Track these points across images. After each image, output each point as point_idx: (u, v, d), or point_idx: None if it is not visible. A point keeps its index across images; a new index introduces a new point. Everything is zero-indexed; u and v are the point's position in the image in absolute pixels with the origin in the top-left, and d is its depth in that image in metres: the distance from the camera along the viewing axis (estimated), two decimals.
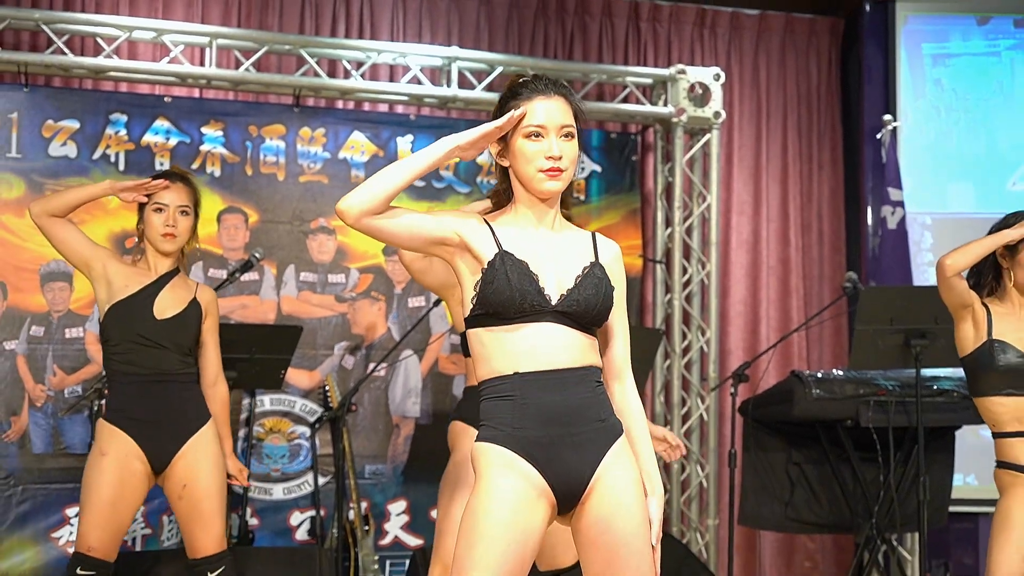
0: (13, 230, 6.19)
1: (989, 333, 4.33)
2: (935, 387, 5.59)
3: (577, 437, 2.93)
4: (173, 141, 6.54)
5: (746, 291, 7.78)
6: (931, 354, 5.28)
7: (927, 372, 5.40)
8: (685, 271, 7.41)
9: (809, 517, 6.17)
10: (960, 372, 5.62)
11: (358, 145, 6.84)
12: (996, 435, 4.40)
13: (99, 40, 6.47)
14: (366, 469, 6.65)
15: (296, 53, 6.73)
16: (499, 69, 6.93)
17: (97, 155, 6.39)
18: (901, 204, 7.21)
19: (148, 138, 6.48)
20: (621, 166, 7.39)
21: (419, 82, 6.85)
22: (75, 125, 6.37)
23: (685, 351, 7.40)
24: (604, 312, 2.99)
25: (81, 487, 4.46)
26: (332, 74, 6.88)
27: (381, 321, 6.78)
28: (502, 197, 3.11)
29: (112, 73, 6.51)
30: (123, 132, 6.44)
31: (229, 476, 4.69)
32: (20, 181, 6.25)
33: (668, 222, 7.45)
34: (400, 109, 7.09)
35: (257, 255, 5.95)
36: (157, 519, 6.32)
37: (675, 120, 7.27)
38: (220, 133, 6.62)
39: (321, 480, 6.43)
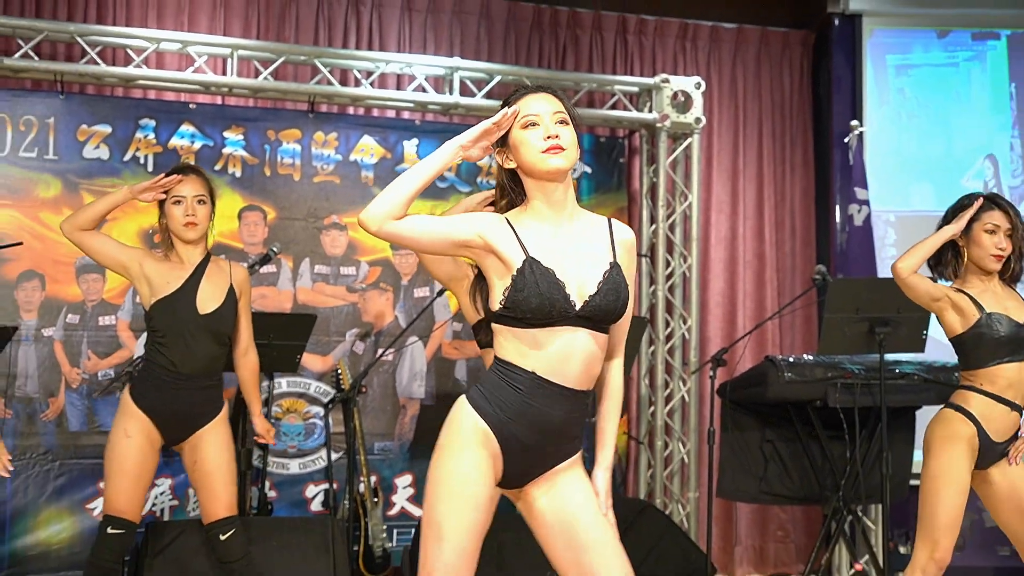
0: (51, 226, 6.17)
1: (981, 309, 4.30)
2: (897, 371, 5.58)
3: (547, 447, 2.96)
4: (198, 144, 6.53)
5: (724, 283, 7.78)
6: (894, 340, 5.29)
7: (890, 357, 5.40)
8: (668, 264, 7.41)
9: (781, 490, 6.17)
10: (920, 357, 5.66)
11: (368, 148, 6.83)
12: (975, 390, 4.32)
13: (129, 51, 6.47)
14: (375, 446, 6.65)
15: (311, 63, 6.72)
16: (498, 78, 6.93)
17: (128, 157, 6.38)
18: (867, 203, 7.20)
19: (175, 141, 6.47)
20: (610, 168, 7.38)
21: (424, 90, 6.84)
22: (107, 129, 6.36)
23: (668, 338, 7.40)
24: (621, 314, 2.98)
25: (105, 458, 4.54)
26: (344, 82, 6.87)
27: (389, 310, 6.78)
28: (515, 200, 3.06)
29: (141, 81, 6.50)
30: (151, 136, 6.43)
31: (256, 435, 4.83)
32: (57, 181, 6.24)
33: (653, 219, 7.45)
34: (406, 115, 7.08)
35: (275, 249, 5.95)
36: (184, 492, 6.32)
37: (659, 125, 7.27)
38: (241, 137, 6.61)
39: (334, 456, 6.44)
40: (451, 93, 6.84)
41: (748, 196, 7.87)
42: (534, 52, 7.55)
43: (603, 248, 3.01)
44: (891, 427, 5.17)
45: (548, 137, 2.94)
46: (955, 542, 4.23)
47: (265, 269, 6.32)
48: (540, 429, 2.91)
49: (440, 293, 6.21)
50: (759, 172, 7.91)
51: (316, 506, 6.59)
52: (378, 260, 6.77)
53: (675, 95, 7.32)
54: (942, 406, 4.40)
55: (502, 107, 3.01)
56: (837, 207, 7.63)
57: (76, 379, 6.23)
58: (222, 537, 4.56)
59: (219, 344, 4.59)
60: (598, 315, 2.91)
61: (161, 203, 4.56)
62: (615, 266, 2.98)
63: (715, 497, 6.15)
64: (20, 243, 5.78)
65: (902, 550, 6.98)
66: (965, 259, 4.40)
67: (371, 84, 6.83)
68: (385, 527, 6.29)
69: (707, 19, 7.91)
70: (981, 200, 4.34)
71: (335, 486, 6.39)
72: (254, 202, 6.61)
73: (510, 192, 3.05)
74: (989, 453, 4.30)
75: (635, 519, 5.86)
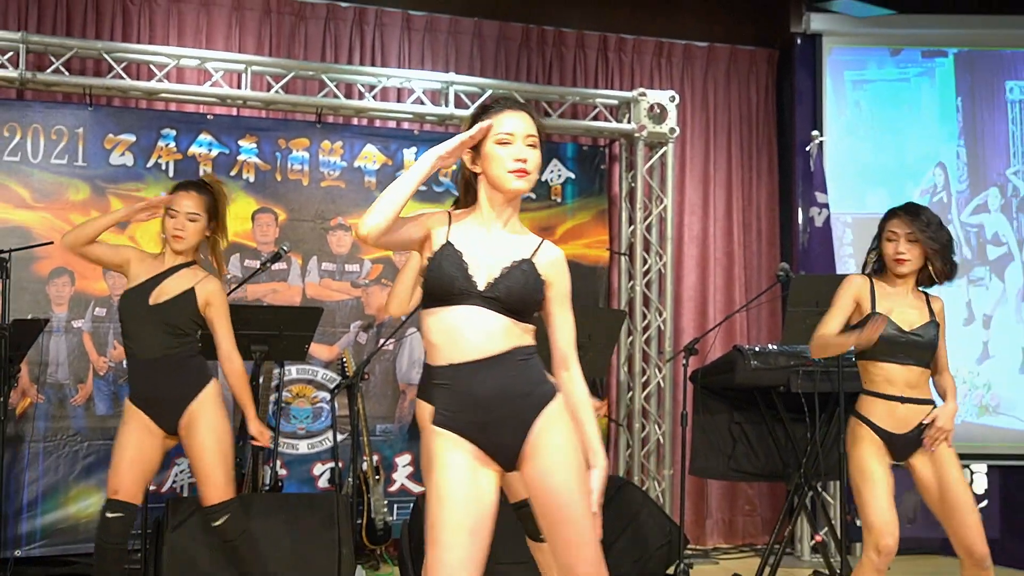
0: None
1: (873, 306, 4.30)
2: (854, 359, 5.58)
3: (500, 413, 2.88)
4: (215, 152, 6.51)
5: (696, 279, 7.78)
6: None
7: None
8: (645, 262, 7.41)
9: (748, 468, 6.17)
10: None
11: (371, 156, 6.82)
12: (864, 392, 4.35)
13: (152, 67, 6.45)
14: (377, 428, 6.64)
15: (318, 78, 6.71)
16: (489, 91, 6.91)
17: (151, 164, 6.37)
18: (827, 206, 7.20)
19: (194, 149, 6.45)
20: (591, 174, 7.37)
21: (422, 102, 6.83)
22: (132, 138, 6.34)
23: (645, 329, 7.40)
24: (528, 299, 2.93)
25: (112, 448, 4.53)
26: (349, 96, 6.85)
27: None
28: (468, 201, 3.06)
29: (163, 95, 6.48)
30: (172, 144, 6.41)
31: (252, 438, 4.65)
32: (85, 186, 6.22)
33: (631, 221, 7.44)
34: (406, 125, 7.07)
35: (285, 248, 5.93)
36: None
37: (637, 135, 7.27)
38: (254, 145, 6.60)
39: (339, 437, 6.40)
40: (447, 105, 6.83)
41: (718, 200, 7.87)
42: (523, 68, 7.54)
43: (525, 252, 2.98)
44: (848, 411, 5.16)
45: (517, 160, 2.92)
46: (894, 531, 4.16)
47: (276, 266, 6.31)
48: (475, 404, 2.87)
49: None
50: (728, 178, 7.91)
51: (323, 483, 6.58)
52: (380, 258, 6.76)
53: (651, 107, 7.32)
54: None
55: (479, 113, 3.01)
56: (799, 210, 7.62)
57: (103, 367, 6.21)
58: (214, 524, 4.49)
59: (171, 335, 4.45)
60: (501, 296, 2.88)
61: (167, 208, 4.56)
62: (527, 261, 2.95)
63: (688, 474, 6.16)
64: (51, 242, 5.77)
65: (858, 522, 6.97)
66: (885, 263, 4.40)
67: (374, 97, 6.81)
68: (386, 502, 6.29)
69: (681, 38, 7.90)
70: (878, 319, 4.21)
71: (340, 465, 6.36)
72: (266, 205, 6.60)
73: (465, 192, 3.07)
74: (898, 444, 4.27)
75: (615, 494, 5.85)
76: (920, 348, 4.28)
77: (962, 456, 7.45)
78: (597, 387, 7.21)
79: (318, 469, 6.60)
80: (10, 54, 6.13)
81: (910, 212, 4.33)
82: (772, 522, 7.17)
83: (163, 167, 6.38)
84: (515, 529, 4.29)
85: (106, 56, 6.30)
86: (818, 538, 5.93)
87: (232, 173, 6.51)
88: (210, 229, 4.61)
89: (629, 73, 7.76)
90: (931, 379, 4.38)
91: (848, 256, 7.51)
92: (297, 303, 6.55)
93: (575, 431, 2.95)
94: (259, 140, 6.61)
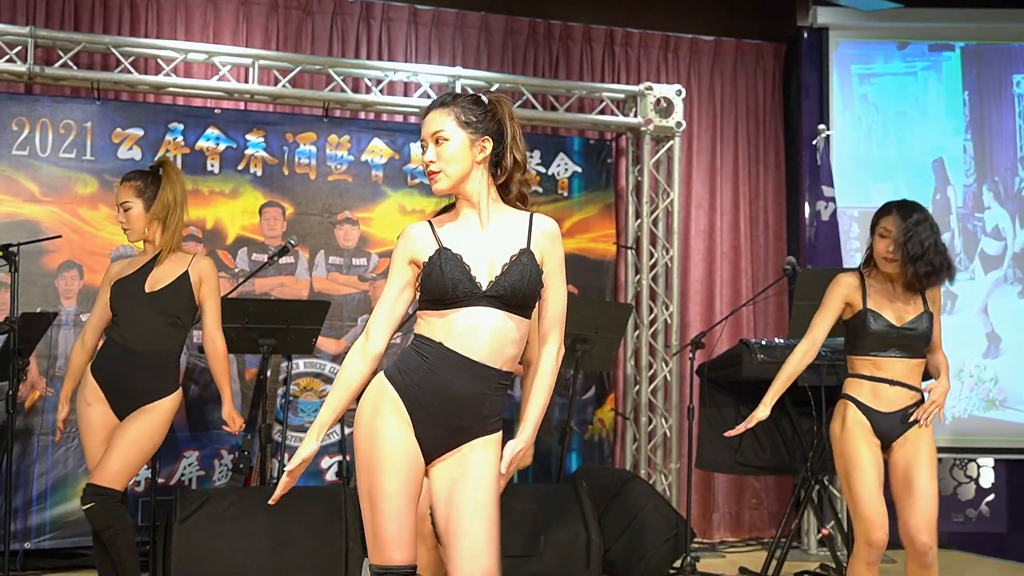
0: (88, 221, 6.17)
1: (864, 304, 4.28)
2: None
3: (452, 420, 2.87)
4: (222, 146, 6.51)
5: (703, 272, 7.77)
6: None
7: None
8: (652, 256, 7.41)
9: (755, 461, 6.16)
10: None
11: (377, 149, 6.82)
12: (851, 375, 4.34)
13: (160, 61, 6.45)
14: None
15: (325, 72, 6.71)
16: (496, 85, 6.92)
17: (158, 158, 6.36)
18: (833, 200, 7.19)
19: (201, 143, 6.45)
20: (598, 168, 7.37)
21: (428, 96, 6.82)
22: (140, 132, 6.34)
23: (652, 323, 7.39)
24: (530, 294, 2.91)
25: (78, 426, 4.48)
26: (356, 90, 6.85)
27: None
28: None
29: (171, 89, 6.49)
30: (180, 139, 6.41)
31: (224, 424, 4.58)
32: (94, 180, 6.23)
33: (638, 215, 7.44)
34: (413, 119, 7.05)
35: (292, 242, 5.94)
36: (210, 462, 6.32)
37: (643, 129, 7.26)
38: (262, 139, 6.60)
39: (346, 430, 6.43)
40: None
41: (725, 193, 7.86)
42: (529, 62, 7.53)
43: (519, 238, 2.95)
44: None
45: (425, 164, 2.94)
46: (884, 523, 4.13)
47: (284, 260, 6.31)
48: (444, 398, 2.85)
49: None
50: (735, 172, 7.90)
51: (330, 476, 6.59)
52: (387, 252, 6.76)
53: (658, 101, 7.31)
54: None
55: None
56: (806, 204, 7.61)
57: None
58: (83, 505, 4.35)
59: (166, 323, 4.43)
60: (505, 294, 2.86)
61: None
62: (526, 252, 2.92)
63: (695, 468, 6.15)
64: (59, 236, 5.79)
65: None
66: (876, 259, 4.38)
67: (380, 91, 6.81)
68: None
69: (687, 32, 7.89)
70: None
71: (348, 458, 6.39)
72: (274, 199, 6.60)
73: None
74: (883, 426, 4.24)
75: (622, 488, 5.86)
76: (913, 340, 4.27)
77: (969, 450, 7.53)
78: (604, 381, 7.21)
79: (325, 462, 6.60)
80: (18, 48, 6.14)
81: (903, 211, 4.28)
82: (779, 515, 7.17)
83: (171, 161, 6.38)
84: (511, 522, 4.27)
85: (114, 50, 6.30)
86: (825, 532, 5.91)
87: (239, 167, 6.51)
88: (151, 211, 4.47)
89: (635, 67, 7.75)
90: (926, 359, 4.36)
91: (855, 250, 7.49)
92: (304, 297, 6.55)
93: (497, 477, 2.90)
94: (266, 134, 6.60)
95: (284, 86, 6.58)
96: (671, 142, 7.37)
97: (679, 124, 7.30)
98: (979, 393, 7.49)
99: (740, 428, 4.43)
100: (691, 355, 5.95)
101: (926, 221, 4.26)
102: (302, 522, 5.18)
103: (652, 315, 7.39)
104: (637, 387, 7.34)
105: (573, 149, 7.30)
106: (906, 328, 4.25)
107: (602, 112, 7.32)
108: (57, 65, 6.20)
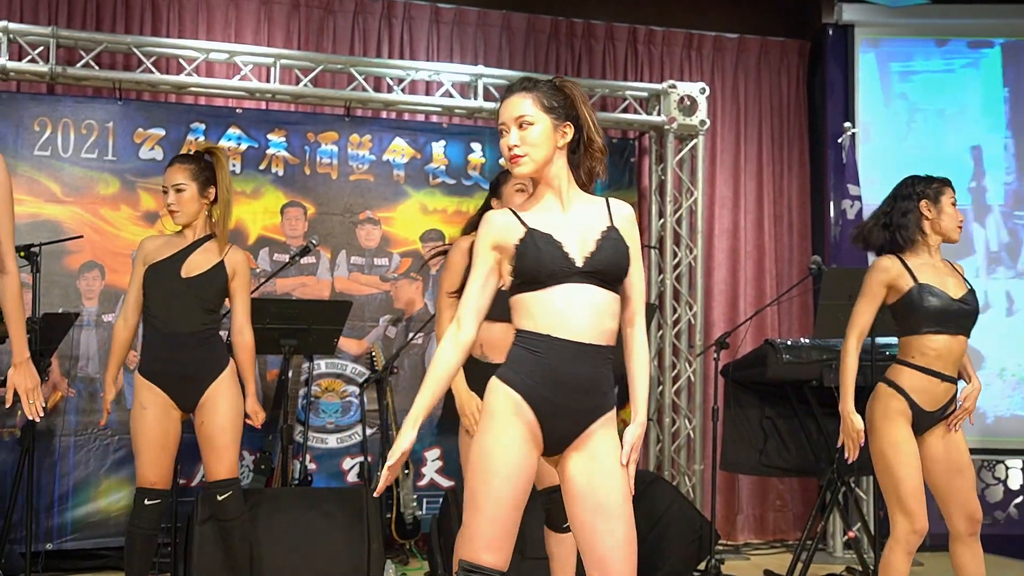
0: (110, 221, 6.18)
1: (915, 279, 4.22)
2: (886, 352, 5.52)
3: (578, 404, 2.89)
4: (244, 146, 6.51)
5: (727, 272, 7.72)
6: (882, 324, 5.22)
7: (880, 340, 5.34)
8: (675, 255, 7.37)
9: (780, 463, 6.13)
10: None
11: (399, 149, 6.80)
12: (903, 363, 4.25)
13: (181, 61, 6.45)
14: None
15: (347, 71, 6.70)
16: None
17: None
18: (859, 198, 7.15)
19: (223, 143, 6.44)
20: (621, 166, 7.34)
21: (450, 95, 6.81)
22: (161, 132, 6.35)
23: (675, 323, 7.36)
24: (624, 268, 2.95)
25: (131, 435, 4.51)
26: (377, 89, 6.84)
27: (419, 297, 6.75)
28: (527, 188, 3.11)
29: (192, 88, 6.49)
30: (202, 138, 6.40)
31: (247, 418, 4.61)
32: (115, 180, 6.23)
33: (661, 214, 7.40)
34: (435, 118, 7.04)
35: (314, 242, 5.94)
36: None
37: (667, 127, 7.22)
38: (283, 139, 6.59)
39: (368, 431, 6.43)
40: (475, 98, 6.80)
41: (749, 192, 7.81)
42: (551, 60, 7.51)
43: (602, 218, 2.99)
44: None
45: (509, 147, 2.95)
46: (925, 508, 4.13)
47: (305, 260, 6.31)
48: (565, 386, 2.86)
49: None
50: (759, 170, 7.85)
51: (352, 477, 6.57)
52: (409, 252, 6.75)
53: (681, 99, 7.27)
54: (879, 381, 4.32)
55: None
56: (831, 202, 7.55)
57: (133, 361, 6.16)
58: (219, 498, 4.50)
59: (202, 310, 4.46)
60: (600, 268, 2.89)
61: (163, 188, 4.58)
62: (612, 228, 2.97)
63: (719, 469, 6.12)
64: (81, 236, 5.80)
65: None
66: (926, 234, 4.32)
67: (402, 90, 6.79)
68: (415, 496, 6.27)
69: (711, 30, 7.85)
70: None
71: (370, 459, 6.39)
72: (295, 198, 6.59)
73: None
74: (923, 421, 4.20)
75: (645, 490, 5.82)
76: (967, 316, 4.23)
77: (997, 451, 7.45)
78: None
79: (347, 463, 6.59)
80: (40, 48, 6.15)
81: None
82: (804, 518, 7.12)
83: None
84: (534, 523, 4.24)
85: (135, 50, 6.31)
86: (851, 534, 5.86)
87: (261, 167, 6.51)
88: (206, 197, 4.55)
89: (659, 65, 7.71)
90: None
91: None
92: (326, 297, 6.53)
93: (616, 436, 2.96)
94: (288, 134, 6.60)
95: (306, 85, 6.57)
96: (695, 140, 7.33)
97: (703, 122, 7.27)
98: (1022, 392, 7.41)
99: (853, 450, 4.27)
100: (715, 355, 5.92)
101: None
102: (324, 523, 5.17)
103: (676, 315, 7.36)
104: (660, 388, 7.31)
105: None
106: (962, 302, 4.22)
107: (625, 111, 7.29)
108: (79, 65, 6.21)
